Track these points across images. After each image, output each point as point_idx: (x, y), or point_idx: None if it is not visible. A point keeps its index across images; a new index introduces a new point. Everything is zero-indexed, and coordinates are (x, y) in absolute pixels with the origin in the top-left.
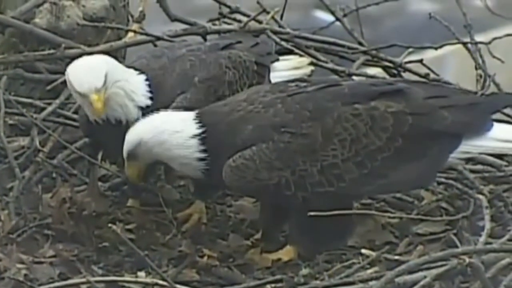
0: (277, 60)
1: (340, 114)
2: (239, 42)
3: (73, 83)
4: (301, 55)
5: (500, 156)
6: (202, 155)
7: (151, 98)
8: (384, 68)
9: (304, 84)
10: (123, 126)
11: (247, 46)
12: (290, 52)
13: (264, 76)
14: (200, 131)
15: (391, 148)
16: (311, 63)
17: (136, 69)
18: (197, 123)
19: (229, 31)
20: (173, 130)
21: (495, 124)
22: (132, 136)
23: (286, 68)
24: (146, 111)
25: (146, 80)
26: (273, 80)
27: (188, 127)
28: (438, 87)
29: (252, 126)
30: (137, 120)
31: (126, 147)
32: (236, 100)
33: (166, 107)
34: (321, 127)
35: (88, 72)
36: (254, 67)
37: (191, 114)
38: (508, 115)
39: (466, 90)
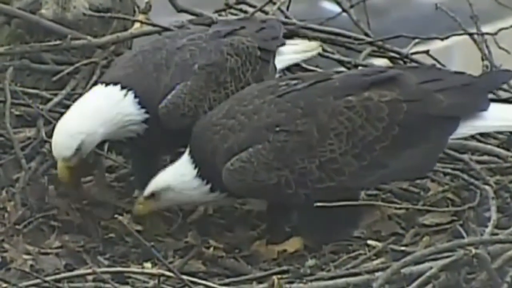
0: (284, 44)
1: (334, 108)
2: (243, 27)
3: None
4: (309, 39)
5: (506, 147)
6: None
7: (146, 112)
8: (391, 59)
9: (295, 82)
10: None
11: (251, 32)
12: (297, 36)
13: (269, 61)
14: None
15: (389, 137)
16: (320, 46)
17: (118, 84)
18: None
19: None
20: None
21: (492, 103)
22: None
23: (293, 52)
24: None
25: (134, 95)
26: (278, 64)
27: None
28: (432, 70)
29: (246, 130)
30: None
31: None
32: (225, 108)
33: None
34: (315, 123)
35: (62, 138)
36: (257, 53)
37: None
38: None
39: (460, 72)
